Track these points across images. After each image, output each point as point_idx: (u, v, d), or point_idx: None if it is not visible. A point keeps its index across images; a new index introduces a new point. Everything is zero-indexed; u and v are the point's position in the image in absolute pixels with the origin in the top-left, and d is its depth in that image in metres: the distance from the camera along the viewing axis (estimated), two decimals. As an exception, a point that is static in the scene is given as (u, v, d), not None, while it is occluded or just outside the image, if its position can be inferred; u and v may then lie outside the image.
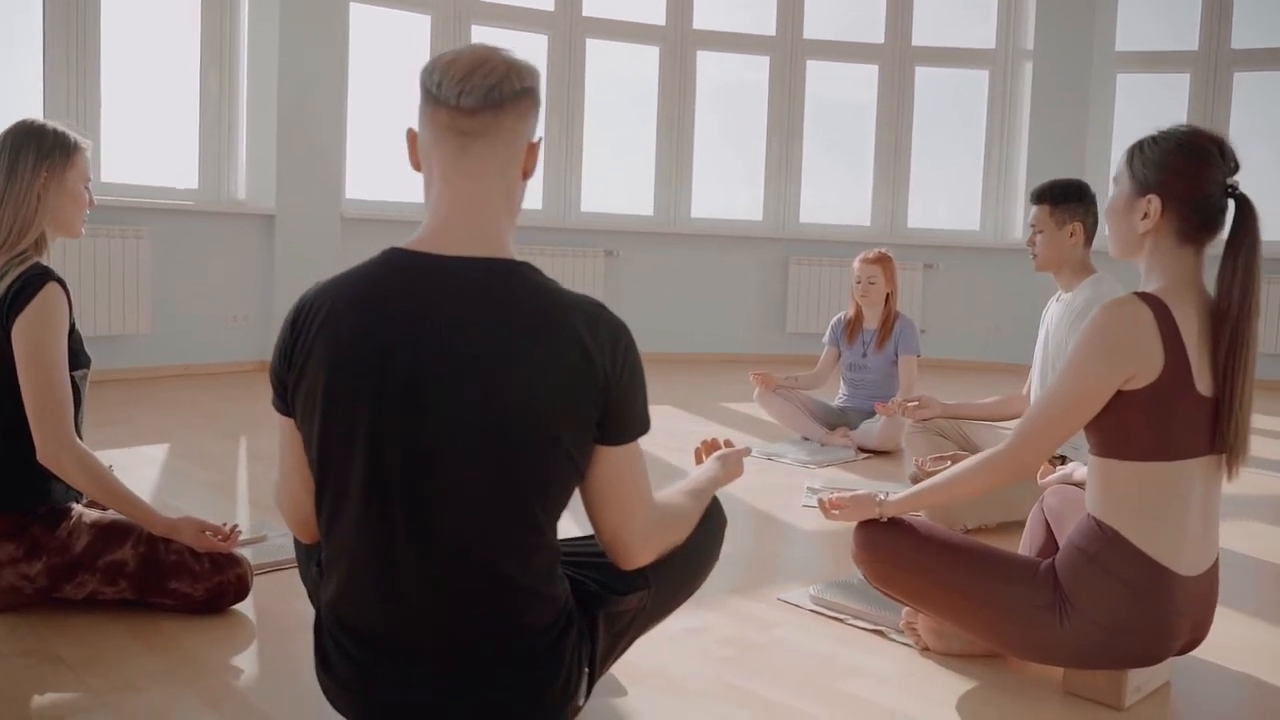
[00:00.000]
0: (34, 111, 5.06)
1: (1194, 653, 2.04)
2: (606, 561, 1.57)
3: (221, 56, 5.73)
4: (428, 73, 1.43)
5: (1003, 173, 7.28)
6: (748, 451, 1.96)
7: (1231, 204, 1.80)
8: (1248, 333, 1.76)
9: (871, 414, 4.12)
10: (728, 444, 1.97)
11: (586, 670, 1.55)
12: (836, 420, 4.29)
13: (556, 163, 6.97)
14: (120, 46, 5.33)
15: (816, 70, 7.39)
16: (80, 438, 2.22)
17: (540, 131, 1.51)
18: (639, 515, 1.51)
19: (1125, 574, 1.77)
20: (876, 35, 7.37)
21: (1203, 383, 1.76)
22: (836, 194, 7.75)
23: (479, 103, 1.39)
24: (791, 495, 3.39)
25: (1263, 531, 3.20)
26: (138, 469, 3.42)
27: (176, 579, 2.12)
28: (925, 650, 2.09)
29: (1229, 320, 1.76)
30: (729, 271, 7.22)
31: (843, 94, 7.66)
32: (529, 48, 6.88)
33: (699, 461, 1.94)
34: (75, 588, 2.10)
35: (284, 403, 1.48)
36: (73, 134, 2.18)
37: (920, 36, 7.34)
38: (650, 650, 2.05)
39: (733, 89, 7.54)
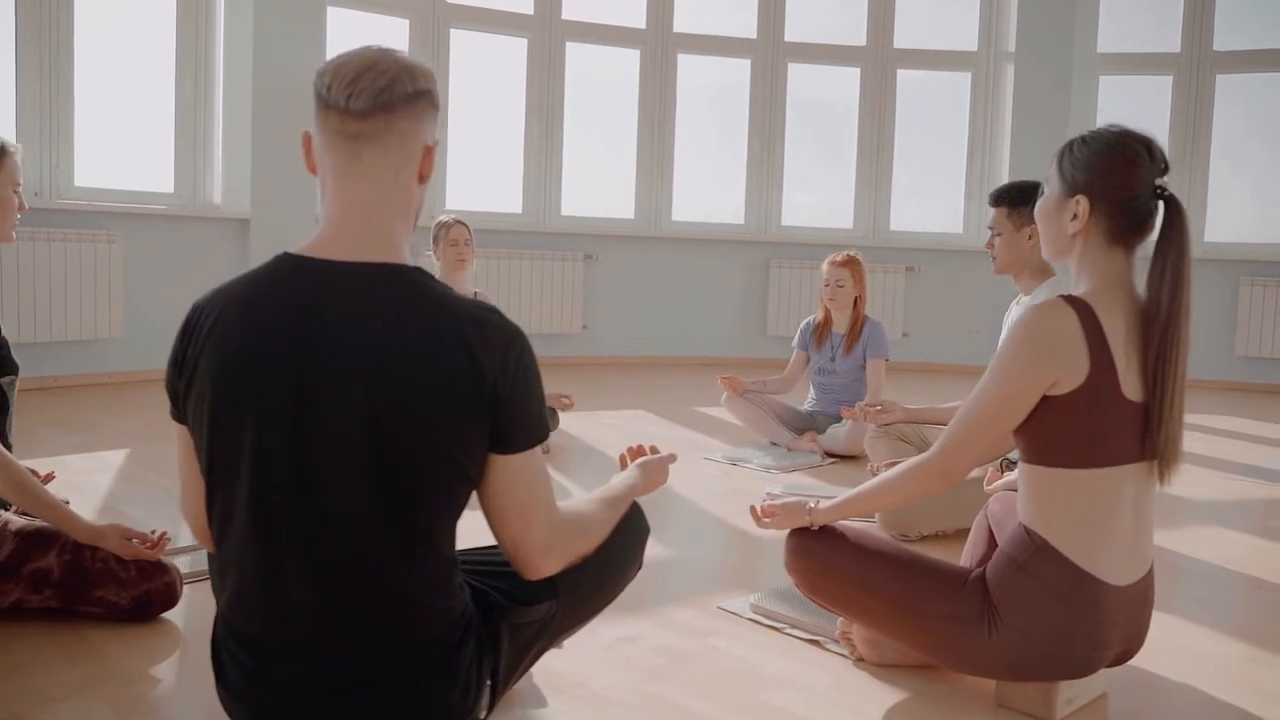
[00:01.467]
0: (7, 117, 5.06)
1: (1133, 663, 2.02)
2: (513, 571, 1.54)
3: (197, 61, 5.71)
4: (319, 76, 1.40)
5: (985, 175, 7.25)
6: (672, 458, 1.93)
7: (1161, 206, 1.77)
8: (1178, 336, 1.73)
9: (840, 418, 4.09)
10: (653, 450, 1.94)
11: (489, 682, 1.52)
12: (805, 425, 4.26)
13: (536, 166, 6.95)
14: (94, 51, 5.30)
15: (798, 73, 7.37)
16: (9, 443, 2.20)
17: (437, 135, 1.48)
18: (541, 525, 1.48)
19: (1054, 583, 1.74)
20: (858, 38, 7.34)
21: (1131, 387, 1.73)
22: (818, 197, 7.72)
23: (369, 105, 1.37)
24: (750, 501, 3.32)
25: (1206, 536, 3.16)
26: (96, 474, 3.39)
27: (102, 587, 2.09)
28: (860, 661, 2.06)
29: (1158, 323, 1.73)
30: (710, 275, 7.19)
31: (825, 96, 7.63)
32: (508, 51, 6.87)
33: (623, 468, 1.91)
34: (-1, 596, 2.07)
35: (179, 411, 1.46)
36: (1, 139, 2.15)
37: (902, 39, 7.32)
38: (579, 659, 2.02)
39: (714, 92, 7.52)
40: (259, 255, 5.67)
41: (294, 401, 1.34)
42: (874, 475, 3.04)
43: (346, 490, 1.34)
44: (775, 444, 4.23)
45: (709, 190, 7.54)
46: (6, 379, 2.14)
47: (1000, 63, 7.21)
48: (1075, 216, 1.79)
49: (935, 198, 7.54)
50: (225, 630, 1.46)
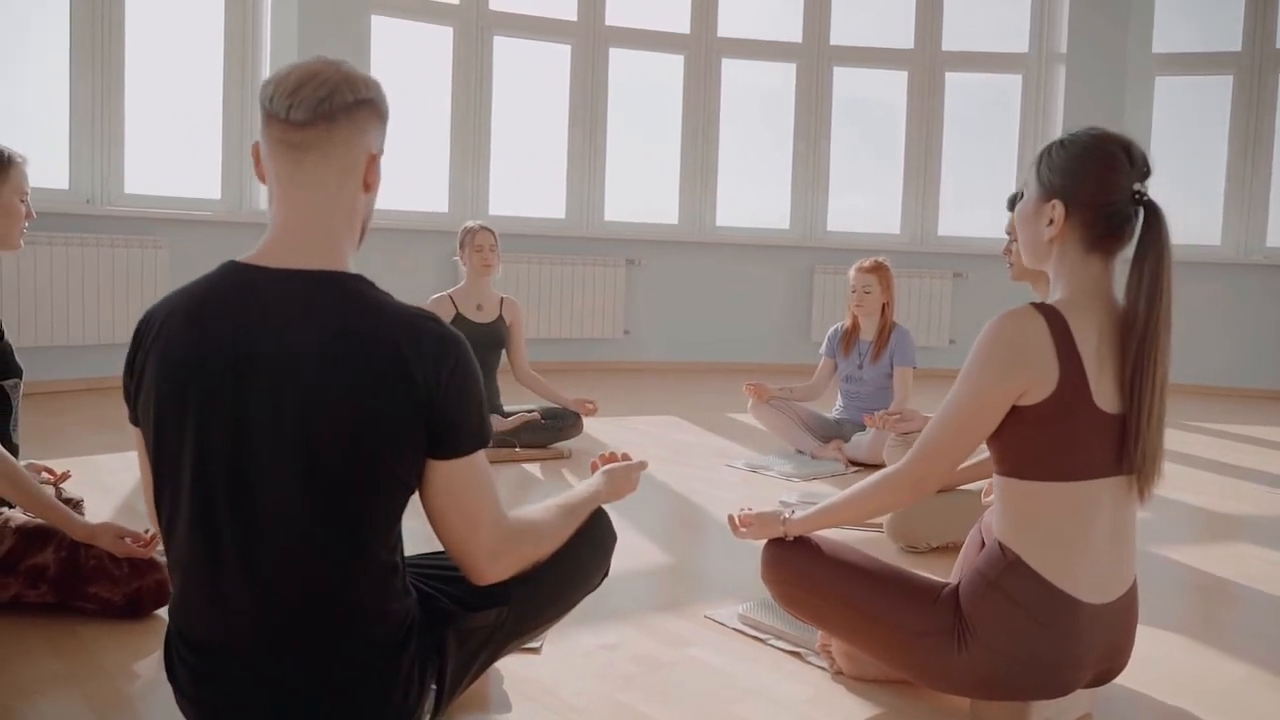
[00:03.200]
0: (61, 127, 5.24)
1: (1123, 684, 1.95)
2: (464, 576, 1.54)
3: (244, 70, 5.85)
4: (263, 87, 1.43)
5: (1036, 179, 7.08)
6: (642, 466, 1.92)
7: (1141, 212, 1.72)
8: (1156, 347, 1.67)
9: (866, 427, 4.03)
10: (624, 458, 1.93)
11: (434, 687, 1.52)
12: (831, 432, 4.21)
13: (579, 172, 6.98)
14: (144, 62, 5.46)
15: (844, 76, 7.29)
16: (14, 443, 2.27)
17: (381, 143, 1.49)
18: (485, 530, 1.48)
19: (1025, 600, 1.69)
20: (906, 41, 7.24)
21: (1105, 399, 1.67)
22: (864, 201, 7.63)
23: (309, 115, 1.39)
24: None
25: (1244, 554, 3.04)
26: (121, 473, 3.48)
27: (95, 584, 2.15)
28: (839, 674, 2.02)
29: (1135, 333, 1.67)
30: (753, 280, 7.15)
31: (872, 100, 7.54)
32: (552, 58, 6.91)
33: (594, 473, 1.90)
34: (-2, 590, 2.14)
35: (133, 415, 1.49)
36: (7, 150, 2.22)
37: (951, 41, 7.20)
38: (554, 665, 2.02)
39: (759, 96, 7.47)
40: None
41: (232, 406, 1.36)
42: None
43: (281, 494, 1.36)
44: (801, 451, 4.19)
45: (753, 195, 7.49)
46: (9, 382, 2.21)
47: (1052, 64, 7.05)
48: (1051, 222, 1.74)
49: (984, 203, 7.40)
50: (173, 626, 1.49)
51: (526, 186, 6.99)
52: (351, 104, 1.42)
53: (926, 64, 7.22)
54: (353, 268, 1.46)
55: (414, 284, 5.75)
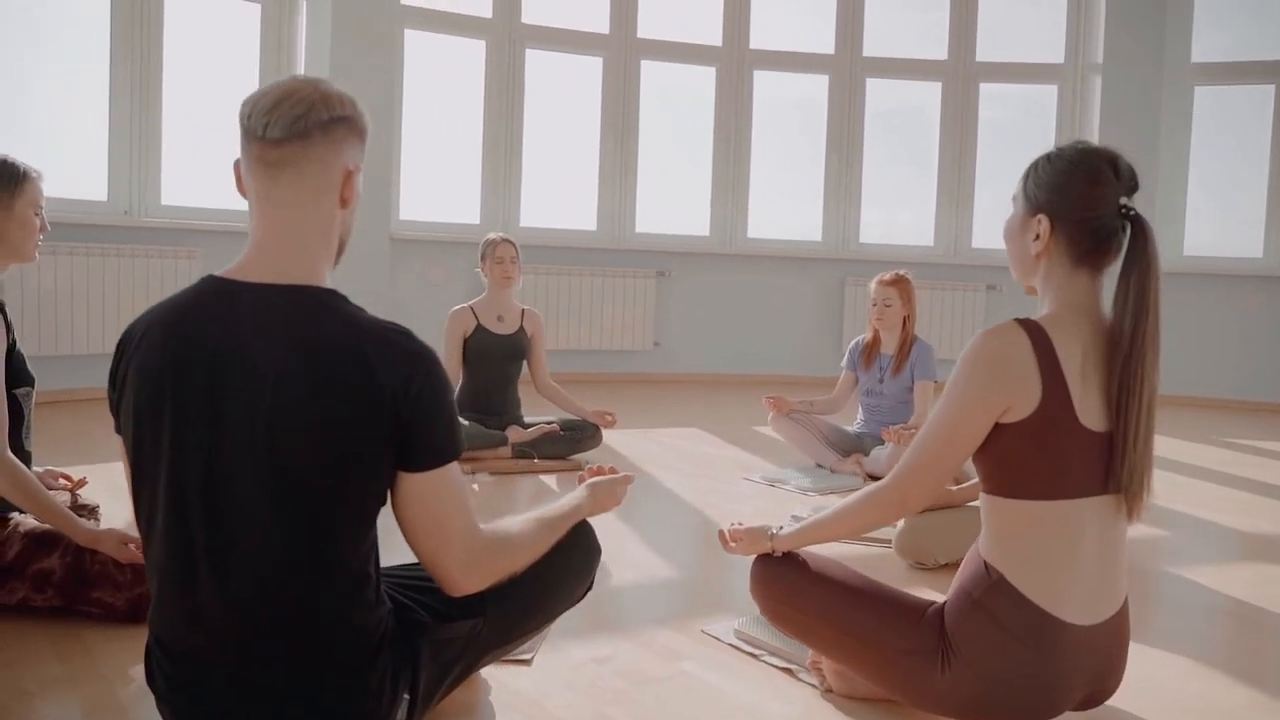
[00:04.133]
0: (100, 141, 5.37)
1: (1121, 707, 1.92)
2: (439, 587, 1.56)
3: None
4: (242, 105, 1.46)
5: (1073, 191, 6.99)
6: (628, 480, 1.92)
7: (1128, 226, 1.69)
8: (1142, 364, 1.64)
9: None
10: (611, 472, 1.93)
11: (406, 696, 1.54)
12: (852, 446, 4.17)
13: (611, 184, 7.00)
14: (181, 75, 5.58)
15: (877, 87, 7.25)
16: (27, 450, 2.33)
17: (360, 159, 1.51)
18: (456, 542, 1.49)
19: (1008, 620, 1.67)
20: (940, 52, 7.18)
21: (1091, 416, 1.65)
22: (897, 213, 7.57)
23: (284, 133, 1.42)
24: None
25: (1227, 575, 2.96)
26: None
27: (99, 589, 2.20)
28: (829, 692, 2.00)
29: (1121, 350, 1.65)
30: (785, 293, 7.12)
31: (905, 110, 7.48)
32: (584, 71, 6.95)
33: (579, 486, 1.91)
34: (6, 594, 2.19)
35: (117, 425, 1.52)
36: (22, 164, 2.29)
37: (985, 52, 7.13)
38: (543, 677, 2.03)
39: (791, 108, 7.45)
40: (333, 271, 5.88)
41: (206, 417, 1.39)
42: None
43: (251, 504, 1.38)
44: (820, 465, 4.16)
45: (785, 207, 7.47)
46: (22, 390, 2.27)
47: (1087, 75, 6.95)
48: (1037, 237, 1.72)
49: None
50: (153, 636, 1.52)
51: (558, 199, 7.03)
52: (327, 121, 1.44)
53: (960, 75, 7.16)
54: (329, 282, 1.48)
55: (444, 295, 5.80)
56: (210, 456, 1.38)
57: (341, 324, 1.41)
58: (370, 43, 5.98)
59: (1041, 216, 1.71)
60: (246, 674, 1.44)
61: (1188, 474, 4.46)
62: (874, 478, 3.98)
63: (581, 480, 1.92)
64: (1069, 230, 1.69)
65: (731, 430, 5.09)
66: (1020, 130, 7.41)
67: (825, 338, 7.14)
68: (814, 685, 2.03)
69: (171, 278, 5.29)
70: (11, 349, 2.24)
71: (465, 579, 1.52)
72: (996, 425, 1.67)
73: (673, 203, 7.27)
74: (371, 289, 5.98)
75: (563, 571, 1.75)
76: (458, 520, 1.49)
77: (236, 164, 1.50)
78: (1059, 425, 1.64)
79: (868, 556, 2.95)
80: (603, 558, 2.79)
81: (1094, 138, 6.83)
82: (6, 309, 2.25)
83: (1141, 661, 2.18)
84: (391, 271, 6.15)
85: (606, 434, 4.35)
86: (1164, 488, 4.01)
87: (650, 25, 7.01)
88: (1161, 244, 1.69)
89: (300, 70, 5.99)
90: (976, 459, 1.73)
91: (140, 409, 1.43)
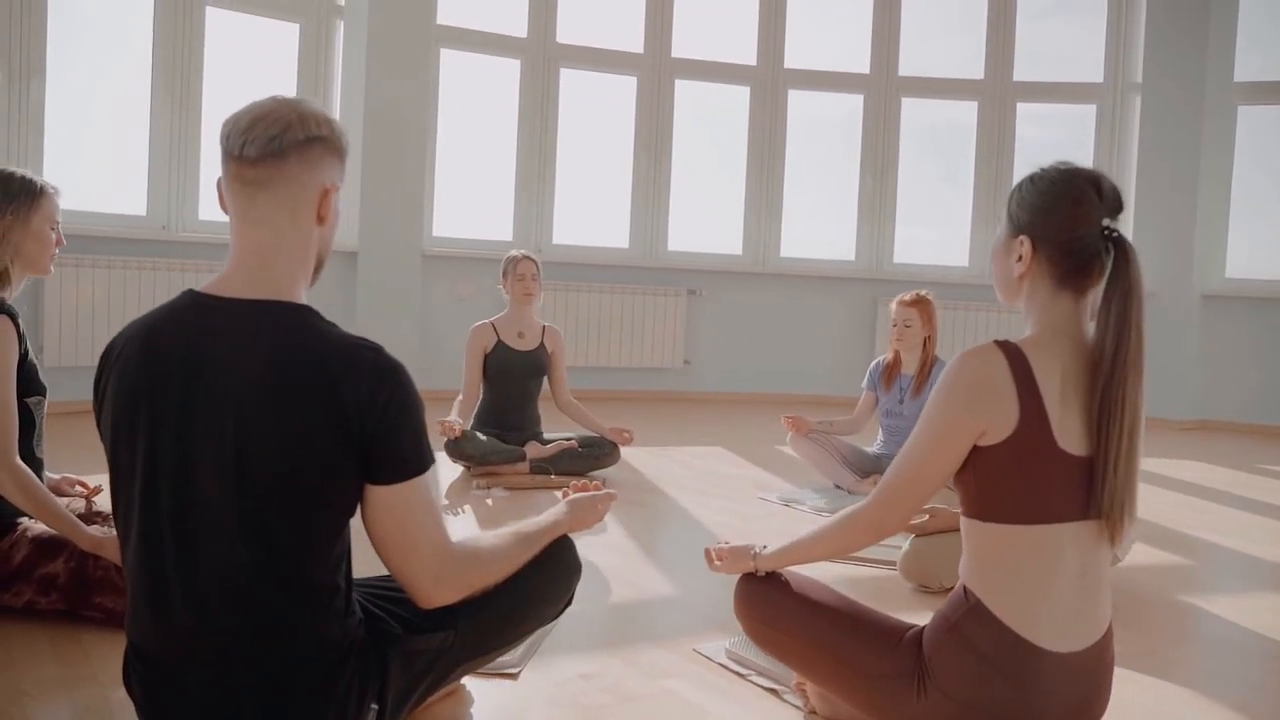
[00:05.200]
0: (140, 154, 5.51)
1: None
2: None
3: (316, 101, 6.07)
4: (222, 125, 1.50)
5: (1111, 212, 6.89)
6: (610, 497, 1.93)
7: (1112, 248, 1.67)
8: (1124, 388, 1.61)
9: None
10: (596, 488, 1.94)
11: (374, 706, 1.55)
12: (870, 467, 4.14)
13: (644, 202, 7.04)
14: (220, 95, 5.72)
15: (912, 105, 7.22)
16: (38, 458, 2.39)
17: (337, 178, 1.54)
18: (425, 555, 1.51)
19: (983, 646, 1.65)
20: (976, 71, 7.13)
21: (1071, 440, 1.62)
22: (933, 233, 7.51)
23: (260, 153, 1.45)
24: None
25: (1247, 606, 2.89)
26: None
27: (101, 594, 2.25)
28: (812, 714, 1.99)
29: (1102, 373, 1.62)
30: (817, 312, 7.10)
31: (941, 130, 7.43)
32: (618, 89, 7.00)
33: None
34: (13, 597, 2.25)
35: (101, 435, 1.57)
36: (39, 180, 2.36)
37: (1022, 71, 7.06)
38: (526, 691, 2.04)
39: (825, 126, 7.44)
40: (365, 286, 5.98)
41: (178, 429, 1.42)
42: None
43: (219, 515, 1.41)
44: (838, 486, 4.13)
45: (819, 226, 7.45)
46: (34, 399, 2.33)
47: (1127, 94, 6.86)
48: (1020, 258, 1.70)
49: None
50: (129, 640, 1.55)
51: (591, 216, 7.07)
52: (303, 141, 1.47)
53: (997, 95, 7.10)
54: (304, 298, 1.51)
55: (475, 311, 5.85)
56: (181, 468, 1.42)
57: (310, 339, 1.44)
58: (406, 62, 6.08)
59: (1024, 238, 1.69)
60: (215, 681, 1.46)
61: (1222, 501, 4.36)
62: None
63: (565, 495, 1.93)
64: (1051, 252, 1.68)
65: (754, 450, 5.07)
66: (1060, 150, 7.32)
67: (857, 358, 7.07)
68: (798, 707, 2.02)
69: (207, 291, 5.40)
70: (24, 358, 2.30)
71: (435, 591, 1.54)
72: (974, 448, 1.65)
73: (705, 221, 7.28)
74: (404, 304, 6.07)
75: (540, 587, 1.76)
76: (426, 533, 1.51)
77: (219, 182, 1.54)
78: (1037, 449, 1.61)
79: (873, 578, 2.93)
80: (605, 575, 2.83)
81: (1133, 158, 6.75)
82: (20, 320, 2.32)
83: (1148, 695, 2.14)
84: (423, 288, 6.23)
85: (626, 451, 4.36)
86: (1210, 518, 3.93)
87: (685, 45, 7.05)
88: (1144, 266, 1.66)
89: (337, 90, 6.11)
90: (956, 482, 1.71)
91: (117, 421, 1.46)
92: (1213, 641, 2.59)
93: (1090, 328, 1.70)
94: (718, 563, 2.00)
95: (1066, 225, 1.66)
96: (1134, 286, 1.64)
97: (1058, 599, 1.65)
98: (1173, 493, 4.50)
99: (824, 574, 2.91)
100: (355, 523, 1.49)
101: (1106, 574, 1.72)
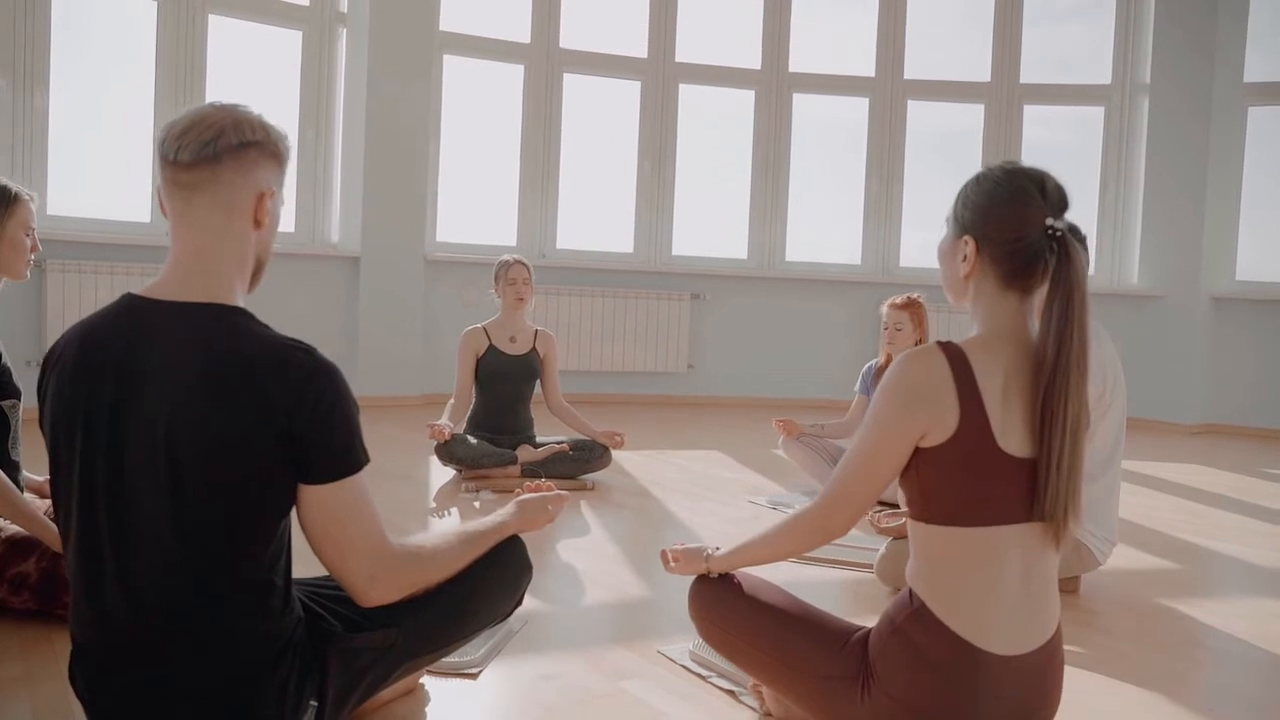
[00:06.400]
0: (144, 159, 5.58)
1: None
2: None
3: (318, 110, 6.13)
4: (160, 131, 1.52)
5: (1118, 213, 6.84)
6: (561, 499, 1.93)
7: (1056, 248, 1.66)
8: (1066, 388, 1.60)
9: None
10: (547, 489, 1.95)
11: (313, 703, 1.56)
12: (862, 471, 4.11)
13: (648, 207, 7.05)
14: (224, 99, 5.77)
15: (919, 108, 7.19)
16: (14, 460, 2.42)
17: (274, 183, 1.55)
18: (360, 554, 1.52)
19: (925, 647, 1.64)
20: (983, 74, 7.10)
21: (1013, 442, 1.61)
22: (939, 236, 7.45)
23: (194, 157, 1.47)
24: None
25: (1244, 611, 2.85)
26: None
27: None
28: (767, 716, 1.98)
29: (1044, 374, 1.61)
30: (821, 316, 7.08)
31: (947, 132, 7.39)
32: (622, 94, 7.02)
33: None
34: (-15, 596, 2.29)
35: (43, 434, 1.59)
36: (14, 187, 2.39)
37: (1029, 73, 7.02)
38: (482, 692, 2.04)
39: (830, 129, 7.42)
40: (368, 292, 6.02)
41: (112, 431, 1.44)
42: (874, 524, 2.94)
43: (152, 515, 1.42)
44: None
45: (824, 230, 7.43)
46: (8, 403, 2.37)
47: (1135, 95, 6.80)
48: (965, 258, 1.70)
49: (1065, 238, 7.15)
50: (71, 635, 1.57)
51: (595, 221, 7.09)
52: (237, 146, 1.49)
53: (1003, 97, 7.06)
54: (240, 301, 1.53)
55: (478, 316, 5.87)
56: (115, 470, 1.43)
57: (240, 341, 1.45)
58: (409, 68, 6.13)
59: (968, 238, 1.69)
60: (151, 677, 1.48)
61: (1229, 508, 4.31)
62: (882, 502, 3.92)
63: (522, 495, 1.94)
64: (993, 252, 1.67)
65: (750, 454, 5.06)
66: (1069, 151, 7.27)
67: (862, 362, 7.00)
68: (754, 709, 2.01)
69: (209, 296, 5.45)
70: (-3, 361, 2.34)
71: (371, 589, 1.55)
72: (917, 450, 1.64)
73: (710, 225, 7.28)
74: (406, 308, 6.11)
75: (487, 586, 1.77)
76: (361, 531, 1.52)
77: (158, 187, 1.56)
78: (978, 450, 1.60)
79: (850, 581, 2.92)
80: (581, 577, 2.83)
81: (1141, 160, 6.70)
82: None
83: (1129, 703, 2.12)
84: (425, 293, 6.26)
85: (621, 454, 4.37)
86: (1206, 523, 3.89)
87: (689, 49, 7.06)
88: (1086, 265, 1.64)
89: (340, 96, 6.16)
90: (901, 484, 1.71)
91: (55, 422, 1.49)
92: (1183, 644, 2.56)
93: (1037, 328, 1.69)
94: (673, 564, 2.00)
95: (1009, 225, 1.65)
96: (1076, 286, 1.62)
97: (1002, 602, 1.63)
98: (1172, 497, 4.45)
99: (801, 577, 2.92)
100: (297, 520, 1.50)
101: (1053, 576, 1.71)
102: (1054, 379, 1.60)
